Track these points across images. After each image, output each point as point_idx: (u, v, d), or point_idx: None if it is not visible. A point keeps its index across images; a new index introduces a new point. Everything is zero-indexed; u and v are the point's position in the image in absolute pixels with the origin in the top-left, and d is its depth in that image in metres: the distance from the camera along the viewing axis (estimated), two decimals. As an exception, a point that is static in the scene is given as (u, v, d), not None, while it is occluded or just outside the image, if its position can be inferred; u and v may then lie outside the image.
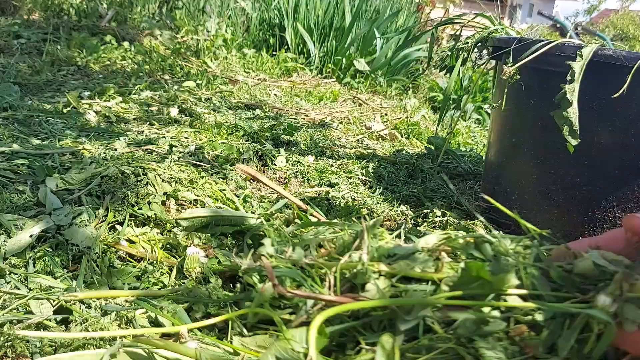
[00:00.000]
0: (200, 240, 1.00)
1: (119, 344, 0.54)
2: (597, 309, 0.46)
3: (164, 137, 1.68)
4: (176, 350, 0.54)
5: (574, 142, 1.01)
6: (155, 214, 1.01)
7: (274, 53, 3.61)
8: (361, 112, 2.61)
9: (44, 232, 0.91)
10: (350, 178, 1.58)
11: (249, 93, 2.66)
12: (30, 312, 0.71)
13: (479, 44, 1.35)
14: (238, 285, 0.83)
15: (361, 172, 1.63)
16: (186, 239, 0.99)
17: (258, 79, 3.01)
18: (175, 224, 1.01)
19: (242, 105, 2.38)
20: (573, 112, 1.00)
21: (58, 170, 1.18)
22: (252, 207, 1.22)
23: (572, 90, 1.00)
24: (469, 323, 0.49)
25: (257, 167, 1.56)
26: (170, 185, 1.14)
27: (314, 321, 0.50)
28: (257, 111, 2.27)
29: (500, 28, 1.36)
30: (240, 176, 1.46)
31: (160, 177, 1.14)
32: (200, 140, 1.72)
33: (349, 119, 2.42)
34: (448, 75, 1.51)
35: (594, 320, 0.46)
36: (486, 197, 0.71)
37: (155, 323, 0.72)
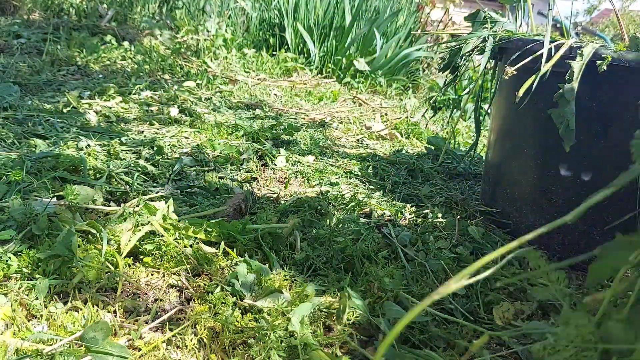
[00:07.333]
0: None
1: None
2: None
3: (164, 137, 1.68)
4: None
5: (569, 142, 1.01)
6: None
7: (274, 53, 3.61)
8: (361, 112, 2.61)
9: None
10: (350, 178, 1.58)
11: (249, 93, 2.66)
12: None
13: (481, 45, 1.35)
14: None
15: (361, 172, 1.63)
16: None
17: (258, 79, 3.01)
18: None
19: (242, 105, 2.38)
20: (570, 112, 1.00)
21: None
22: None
23: (570, 90, 1.00)
24: None
25: (257, 166, 1.56)
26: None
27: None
28: (257, 111, 2.27)
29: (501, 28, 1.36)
30: (240, 177, 1.46)
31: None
32: (200, 140, 1.72)
33: (349, 119, 2.42)
34: (449, 75, 1.51)
35: None
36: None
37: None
